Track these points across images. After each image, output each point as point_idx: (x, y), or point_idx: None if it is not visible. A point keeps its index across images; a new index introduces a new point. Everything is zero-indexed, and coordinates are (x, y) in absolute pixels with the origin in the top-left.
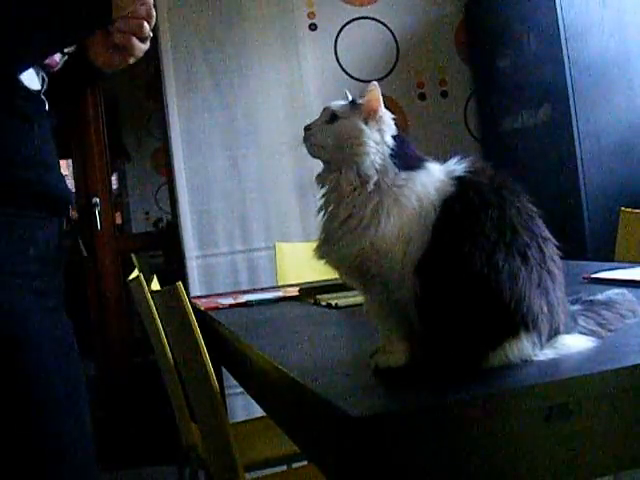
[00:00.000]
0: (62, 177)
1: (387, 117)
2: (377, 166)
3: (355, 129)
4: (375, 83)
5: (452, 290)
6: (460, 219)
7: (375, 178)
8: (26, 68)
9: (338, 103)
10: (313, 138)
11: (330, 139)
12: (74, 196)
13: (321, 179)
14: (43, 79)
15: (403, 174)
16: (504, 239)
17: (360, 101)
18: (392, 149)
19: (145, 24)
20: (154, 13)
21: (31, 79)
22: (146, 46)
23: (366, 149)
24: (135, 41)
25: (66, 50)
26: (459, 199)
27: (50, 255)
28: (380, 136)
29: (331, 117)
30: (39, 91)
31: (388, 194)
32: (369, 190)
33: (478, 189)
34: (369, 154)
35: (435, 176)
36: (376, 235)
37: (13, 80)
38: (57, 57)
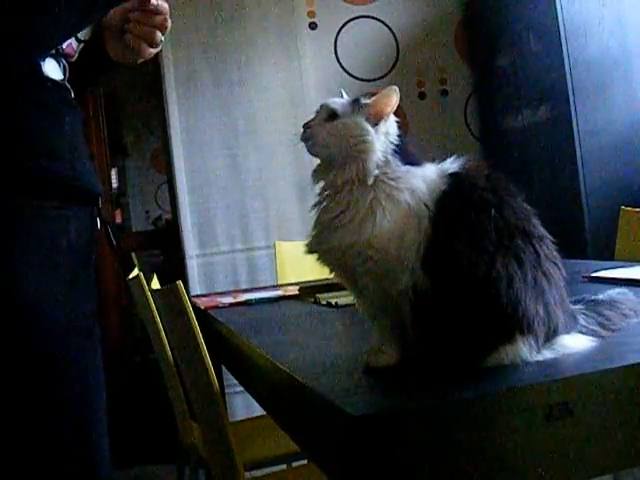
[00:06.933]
0: (92, 167)
1: (391, 117)
2: (380, 162)
3: (359, 128)
4: (396, 88)
5: (447, 293)
6: (452, 219)
7: (375, 172)
8: (43, 52)
9: (336, 100)
10: (313, 137)
11: (331, 137)
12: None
13: (317, 175)
14: (64, 68)
15: (402, 168)
16: (499, 241)
17: (366, 100)
18: (395, 145)
19: (157, 33)
20: (169, 24)
21: (54, 69)
22: (156, 50)
23: (371, 147)
24: (144, 46)
25: (81, 38)
26: (451, 197)
27: (82, 247)
28: (385, 134)
29: (330, 115)
30: (63, 80)
31: (382, 189)
32: (367, 185)
33: (470, 188)
34: (375, 152)
35: (428, 173)
36: (372, 231)
37: (37, 72)
38: (74, 45)
